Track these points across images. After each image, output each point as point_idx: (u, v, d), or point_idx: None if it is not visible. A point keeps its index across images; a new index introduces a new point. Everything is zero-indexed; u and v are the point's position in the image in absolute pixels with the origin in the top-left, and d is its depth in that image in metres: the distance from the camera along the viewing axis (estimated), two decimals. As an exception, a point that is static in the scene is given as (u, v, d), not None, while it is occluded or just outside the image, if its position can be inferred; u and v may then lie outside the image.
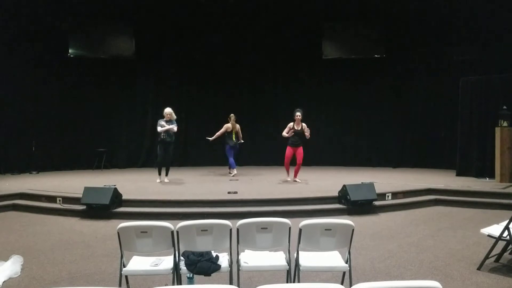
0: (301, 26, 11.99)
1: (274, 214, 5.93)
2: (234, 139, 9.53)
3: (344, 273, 3.55)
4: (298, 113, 8.35)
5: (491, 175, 8.93)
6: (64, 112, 11.23)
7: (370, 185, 7.08)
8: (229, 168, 9.81)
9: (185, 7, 11.60)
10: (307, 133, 8.31)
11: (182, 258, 3.42)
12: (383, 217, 6.77)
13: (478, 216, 6.71)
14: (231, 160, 9.66)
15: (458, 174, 9.69)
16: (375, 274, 4.15)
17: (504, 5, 9.60)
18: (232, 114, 9.61)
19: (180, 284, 3.37)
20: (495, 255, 4.30)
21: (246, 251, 3.61)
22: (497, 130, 8.76)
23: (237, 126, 9.58)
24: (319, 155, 12.02)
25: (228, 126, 9.49)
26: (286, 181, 8.72)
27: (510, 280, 3.92)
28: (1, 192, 7.69)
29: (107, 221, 6.45)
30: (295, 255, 3.42)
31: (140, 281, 3.82)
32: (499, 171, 8.65)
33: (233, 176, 9.58)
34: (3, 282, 3.92)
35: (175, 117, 8.47)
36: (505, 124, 8.70)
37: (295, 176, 8.68)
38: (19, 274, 4.15)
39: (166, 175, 8.55)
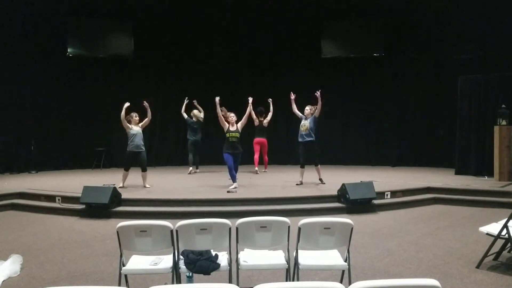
0: (300, 25, 11.97)
1: (273, 213, 5.93)
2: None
3: (343, 271, 3.56)
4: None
5: (490, 174, 8.94)
6: (63, 111, 11.23)
7: (369, 184, 7.09)
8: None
9: (184, 5, 11.58)
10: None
11: (181, 257, 3.43)
12: (382, 215, 6.78)
13: (477, 215, 6.72)
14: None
15: (457, 173, 9.69)
16: (374, 272, 4.16)
17: (503, 3, 9.61)
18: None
19: (180, 283, 3.37)
20: (493, 253, 4.31)
21: (246, 250, 3.61)
22: (496, 129, 8.76)
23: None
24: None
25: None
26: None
27: (509, 278, 3.93)
28: (0, 191, 7.69)
29: (106, 220, 6.45)
30: (294, 253, 3.42)
31: (140, 280, 3.82)
32: (497, 169, 8.66)
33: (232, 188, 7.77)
34: (3, 281, 3.92)
35: (195, 116, 10.33)
36: (503, 122, 8.70)
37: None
38: (19, 273, 4.15)
39: (197, 168, 10.58)
